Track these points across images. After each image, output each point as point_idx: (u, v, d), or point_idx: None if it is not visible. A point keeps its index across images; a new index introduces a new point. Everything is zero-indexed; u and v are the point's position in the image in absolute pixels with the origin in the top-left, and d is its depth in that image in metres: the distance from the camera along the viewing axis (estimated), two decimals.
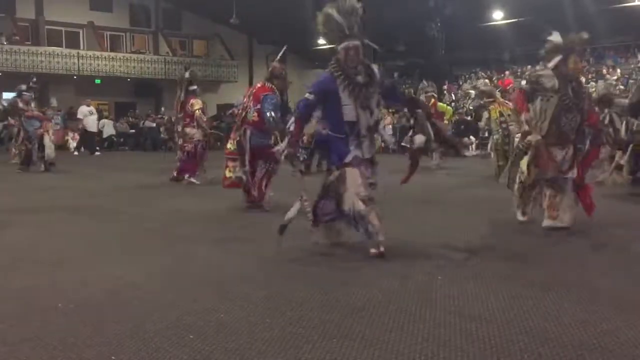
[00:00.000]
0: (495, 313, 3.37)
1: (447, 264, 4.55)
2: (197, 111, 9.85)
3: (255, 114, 6.98)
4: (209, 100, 29.71)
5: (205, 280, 4.14)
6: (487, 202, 7.75)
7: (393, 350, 2.86)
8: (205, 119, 10.13)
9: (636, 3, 20.59)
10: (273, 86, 7.03)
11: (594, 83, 20.90)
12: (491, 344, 2.93)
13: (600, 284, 3.98)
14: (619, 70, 21.15)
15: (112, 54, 27.74)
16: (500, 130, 9.83)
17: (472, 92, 21.63)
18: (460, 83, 25.19)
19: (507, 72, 23.96)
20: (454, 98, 23.49)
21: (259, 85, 7.21)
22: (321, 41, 29.31)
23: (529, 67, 24.30)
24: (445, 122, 11.80)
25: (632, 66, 21.17)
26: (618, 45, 22.81)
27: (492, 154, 10.64)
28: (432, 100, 12.45)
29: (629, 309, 3.44)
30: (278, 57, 7.74)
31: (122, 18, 29.07)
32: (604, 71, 21.49)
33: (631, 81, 19.60)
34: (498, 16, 24.16)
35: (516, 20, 23.38)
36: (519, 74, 23.93)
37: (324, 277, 4.20)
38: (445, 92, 24.12)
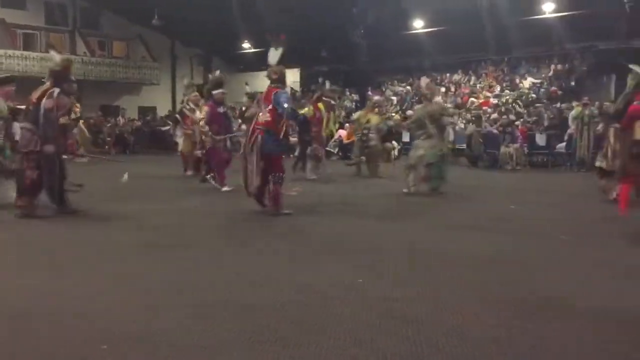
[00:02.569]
0: (432, 315, 3.46)
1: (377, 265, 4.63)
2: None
3: (268, 114, 6.98)
4: (130, 103, 28.97)
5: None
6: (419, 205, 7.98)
7: (320, 354, 2.89)
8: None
9: (547, 15, 21.75)
10: (279, 87, 7.14)
11: (508, 91, 21.92)
12: (411, 342, 3.01)
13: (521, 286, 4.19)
14: (530, 79, 22.23)
15: (26, 53, 26.43)
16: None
17: (394, 98, 22.16)
18: (383, 89, 25.69)
19: (423, 78, 24.66)
20: (379, 106, 23.92)
21: (266, 89, 7.27)
22: (246, 45, 29.22)
23: (448, 74, 25.19)
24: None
25: (544, 75, 22.30)
26: (531, 55, 23.97)
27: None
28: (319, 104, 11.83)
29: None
30: (275, 61, 7.64)
31: (37, 16, 27.74)
32: (517, 80, 22.52)
33: (542, 90, 20.66)
34: (419, 25, 24.86)
35: (436, 29, 24.14)
36: (438, 81, 24.70)
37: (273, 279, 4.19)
38: (368, 98, 24.49)
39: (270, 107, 6.98)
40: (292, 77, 25.03)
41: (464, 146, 16.27)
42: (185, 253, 5.09)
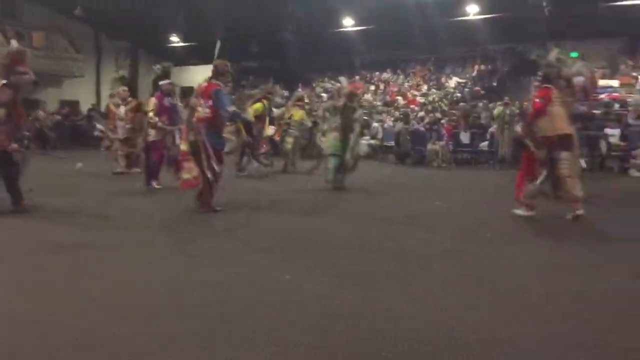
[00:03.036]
0: (352, 310, 3.50)
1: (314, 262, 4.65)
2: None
3: (208, 110, 6.90)
4: (51, 96, 27.70)
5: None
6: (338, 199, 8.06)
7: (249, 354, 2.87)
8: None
9: (471, 17, 22.47)
10: (219, 82, 7.07)
11: (434, 90, 22.51)
12: (341, 339, 3.04)
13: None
14: (455, 79, 22.93)
15: None
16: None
17: (324, 95, 22.27)
18: (314, 86, 25.80)
19: (357, 77, 24.95)
20: (307, 101, 23.99)
21: (204, 84, 7.14)
22: (174, 38, 28.57)
23: (377, 73, 25.60)
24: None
25: (468, 75, 23.04)
26: (456, 55, 24.72)
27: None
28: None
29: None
30: (216, 54, 7.50)
31: None
32: (443, 80, 23.18)
33: (466, 89, 21.33)
34: (349, 23, 25.11)
35: (366, 27, 24.46)
36: (367, 79, 25.07)
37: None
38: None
39: (210, 102, 6.93)
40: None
41: (392, 143, 16.58)
42: (119, 252, 4.95)
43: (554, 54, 7.04)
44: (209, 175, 6.89)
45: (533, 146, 6.80)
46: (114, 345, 2.95)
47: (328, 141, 9.56)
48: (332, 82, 25.41)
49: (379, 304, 3.63)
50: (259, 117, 11.39)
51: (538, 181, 6.78)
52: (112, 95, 12.72)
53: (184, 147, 7.19)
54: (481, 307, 3.64)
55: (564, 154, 6.57)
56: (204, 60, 22.11)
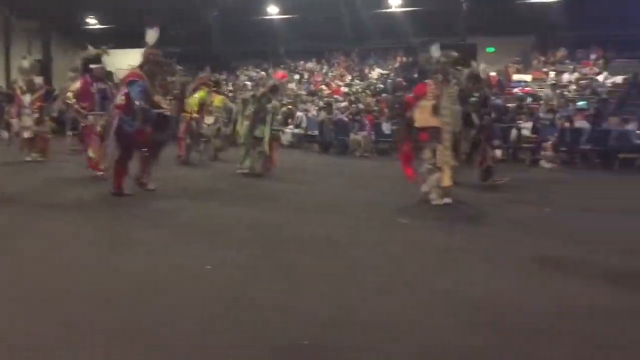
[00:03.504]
0: (264, 300, 3.45)
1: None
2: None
3: (123, 97, 6.83)
4: None
5: None
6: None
7: (160, 345, 2.78)
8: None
9: (394, 9, 22.85)
10: (141, 72, 6.93)
11: (358, 80, 22.75)
12: (255, 330, 3.00)
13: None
14: (378, 70, 23.26)
15: None
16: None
17: (249, 83, 22.06)
18: (238, 74, 25.49)
19: (282, 66, 24.85)
20: (232, 88, 23.68)
21: (129, 71, 7.06)
22: (92, 20, 27.37)
23: (302, 62, 25.58)
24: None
25: (391, 67, 23.43)
26: (379, 47, 25.05)
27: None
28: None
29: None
30: (151, 42, 7.17)
31: None
32: (366, 71, 23.45)
33: (389, 81, 21.67)
34: (273, 11, 24.92)
35: (291, 16, 24.36)
36: (292, 67, 25.00)
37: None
38: (224, 82, 24.15)
39: (125, 91, 6.83)
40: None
41: (316, 133, 16.64)
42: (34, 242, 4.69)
43: (436, 53, 7.33)
44: (114, 159, 6.89)
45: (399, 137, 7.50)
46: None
47: (242, 130, 9.84)
48: (257, 70, 25.24)
49: (296, 292, 3.62)
50: (202, 106, 11.29)
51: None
52: (14, 81, 12.21)
53: (99, 128, 7.22)
54: (393, 290, 3.71)
55: (433, 146, 6.94)
56: (123, 44, 21.35)
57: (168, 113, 7.41)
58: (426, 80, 7.19)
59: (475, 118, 8.24)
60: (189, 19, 24.93)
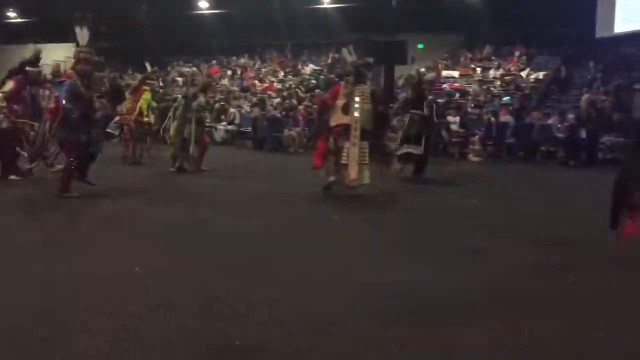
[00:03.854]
0: (189, 301, 3.42)
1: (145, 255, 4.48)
2: None
3: (53, 101, 6.72)
4: None
5: None
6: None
7: (79, 353, 2.71)
8: None
9: (325, 5, 22.99)
10: (73, 72, 6.74)
11: (291, 76, 22.76)
12: (182, 332, 2.97)
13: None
14: (312, 66, 23.34)
15: None
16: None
17: (180, 79, 21.64)
18: (169, 69, 24.98)
19: (214, 62, 24.52)
20: (162, 84, 23.18)
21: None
22: (12, 14, 26.13)
23: (234, 58, 25.33)
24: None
25: (323, 63, 23.54)
26: (312, 43, 25.12)
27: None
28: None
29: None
30: (83, 42, 6.92)
31: None
32: (299, 67, 23.47)
33: (322, 77, 21.78)
34: (204, 5, 24.56)
35: (221, 11, 24.08)
36: (225, 63, 24.74)
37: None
38: (155, 77, 23.61)
39: (56, 94, 6.74)
40: (66, 52, 23.08)
41: (249, 129, 16.52)
42: None
43: (349, 55, 7.76)
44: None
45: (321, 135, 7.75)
46: None
47: (172, 129, 9.90)
48: (190, 65, 24.79)
49: (220, 292, 3.59)
50: (147, 107, 11.21)
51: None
52: None
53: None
54: (316, 285, 3.75)
55: (344, 143, 7.30)
56: (48, 38, 20.50)
57: (96, 114, 7.23)
58: (339, 82, 7.60)
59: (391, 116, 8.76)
60: (117, 13, 24.19)
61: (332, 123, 7.46)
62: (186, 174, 9.45)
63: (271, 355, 2.75)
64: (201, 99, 9.90)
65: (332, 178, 7.54)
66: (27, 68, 8.19)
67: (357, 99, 7.30)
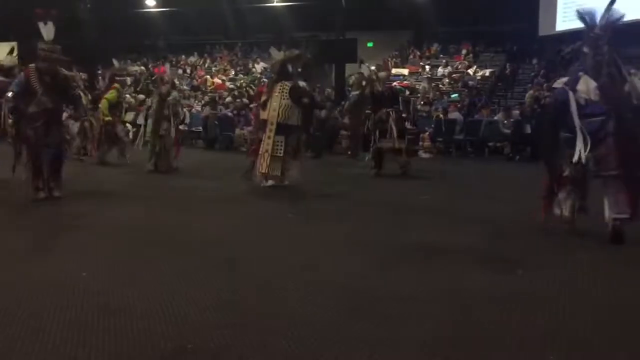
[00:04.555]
0: (139, 306, 3.35)
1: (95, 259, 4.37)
2: None
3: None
4: None
5: None
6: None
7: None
8: None
9: (275, 4, 22.92)
10: (32, 68, 6.59)
11: (242, 75, 22.60)
12: (133, 337, 2.91)
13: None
14: (262, 64, 23.23)
15: None
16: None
17: (128, 79, 21.16)
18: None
19: (163, 60, 24.13)
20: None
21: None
22: None
23: (183, 56, 24.98)
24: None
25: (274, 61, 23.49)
26: (262, 41, 25.01)
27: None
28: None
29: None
30: (51, 36, 6.70)
31: None
32: (250, 65, 23.35)
33: (273, 75, 21.70)
34: (151, 3, 24.12)
35: (169, 9, 23.70)
36: (173, 62, 24.36)
37: None
38: (99, 77, 23.05)
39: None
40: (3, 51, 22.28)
41: (200, 129, 16.32)
42: None
43: (275, 53, 8.43)
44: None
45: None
46: None
47: (148, 127, 9.88)
48: (138, 63, 24.31)
49: (173, 295, 3.53)
50: (116, 106, 10.81)
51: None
52: None
53: None
54: (273, 281, 3.75)
55: (263, 135, 7.83)
56: None
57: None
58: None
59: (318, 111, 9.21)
60: (60, 11, 23.47)
61: (263, 117, 7.94)
62: (157, 174, 9.48)
63: (224, 358, 2.72)
64: (175, 93, 9.98)
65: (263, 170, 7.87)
66: None
67: (276, 95, 7.70)
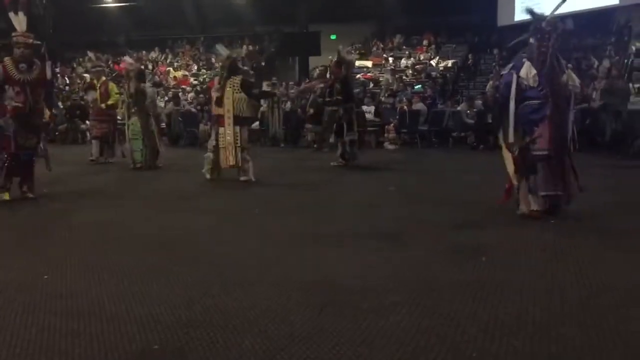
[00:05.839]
0: (104, 307, 3.28)
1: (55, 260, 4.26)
2: None
3: None
4: None
5: None
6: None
7: None
8: None
9: (239, 2, 22.73)
10: (5, 60, 6.50)
11: (204, 70, 22.35)
12: (98, 340, 2.84)
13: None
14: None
15: None
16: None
17: (87, 75, 20.73)
18: (75, 66, 23.89)
19: (125, 57, 23.70)
20: (67, 82, 22.16)
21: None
22: None
23: (144, 52, 24.56)
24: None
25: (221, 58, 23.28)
26: (225, 35, 24.76)
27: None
28: (103, 78, 11.38)
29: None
30: (24, 27, 6.62)
31: None
32: (213, 60, 23.10)
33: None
34: None
35: (128, 4, 23.29)
36: (134, 58, 23.93)
37: None
38: (58, 75, 22.55)
39: None
40: None
41: (164, 125, 16.06)
42: None
43: (222, 50, 8.86)
44: None
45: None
46: None
47: (132, 124, 9.85)
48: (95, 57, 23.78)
49: (136, 295, 3.47)
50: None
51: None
52: None
53: None
54: (241, 278, 3.72)
55: (219, 129, 8.11)
56: None
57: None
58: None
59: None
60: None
61: (214, 112, 8.34)
62: (133, 172, 9.56)
63: (191, 358, 2.68)
64: (150, 90, 10.22)
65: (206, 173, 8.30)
66: None
67: (228, 89, 8.00)
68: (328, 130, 10.18)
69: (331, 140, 10.21)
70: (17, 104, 6.45)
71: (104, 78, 11.32)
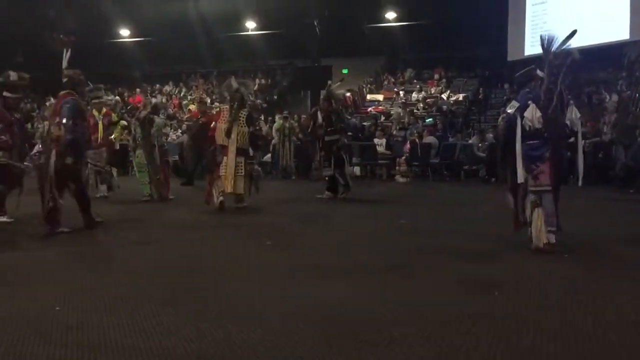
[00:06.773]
0: (114, 339, 3.28)
1: (70, 292, 4.27)
2: None
3: (59, 128, 6.35)
4: None
5: None
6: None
7: None
8: None
9: (250, 32, 23.12)
10: (73, 92, 6.68)
11: (218, 103, 22.60)
12: None
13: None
14: None
15: None
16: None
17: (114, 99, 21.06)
18: (89, 99, 24.24)
19: (138, 90, 24.07)
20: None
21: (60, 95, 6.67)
22: None
23: (158, 85, 24.95)
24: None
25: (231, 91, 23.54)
26: (238, 69, 25.10)
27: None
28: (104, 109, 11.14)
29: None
30: (65, 64, 7.06)
31: None
32: (225, 94, 23.41)
33: (249, 103, 21.75)
34: (125, 33, 24.16)
35: (144, 39, 23.75)
36: (149, 91, 24.33)
37: None
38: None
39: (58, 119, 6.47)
40: None
41: (176, 157, 16.15)
42: None
43: (235, 83, 8.75)
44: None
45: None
46: None
47: (137, 157, 9.91)
48: (113, 93, 24.19)
49: (149, 327, 3.47)
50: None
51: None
52: None
53: None
54: (250, 312, 3.70)
55: (222, 159, 8.35)
56: None
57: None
58: (225, 107, 8.62)
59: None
60: (33, 42, 23.37)
61: (219, 142, 8.43)
62: (143, 204, 9.49)
63: None
64: (159, 120, 10.13)
65: (220, 198, 8.40)
66: (5, 94, 7.58)
67: (237, 122, 8.28)
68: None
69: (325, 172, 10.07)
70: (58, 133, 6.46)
71: (104, 110, 11.00)
